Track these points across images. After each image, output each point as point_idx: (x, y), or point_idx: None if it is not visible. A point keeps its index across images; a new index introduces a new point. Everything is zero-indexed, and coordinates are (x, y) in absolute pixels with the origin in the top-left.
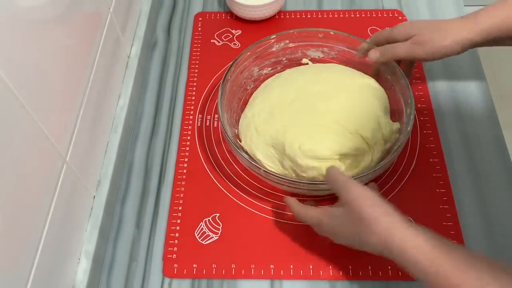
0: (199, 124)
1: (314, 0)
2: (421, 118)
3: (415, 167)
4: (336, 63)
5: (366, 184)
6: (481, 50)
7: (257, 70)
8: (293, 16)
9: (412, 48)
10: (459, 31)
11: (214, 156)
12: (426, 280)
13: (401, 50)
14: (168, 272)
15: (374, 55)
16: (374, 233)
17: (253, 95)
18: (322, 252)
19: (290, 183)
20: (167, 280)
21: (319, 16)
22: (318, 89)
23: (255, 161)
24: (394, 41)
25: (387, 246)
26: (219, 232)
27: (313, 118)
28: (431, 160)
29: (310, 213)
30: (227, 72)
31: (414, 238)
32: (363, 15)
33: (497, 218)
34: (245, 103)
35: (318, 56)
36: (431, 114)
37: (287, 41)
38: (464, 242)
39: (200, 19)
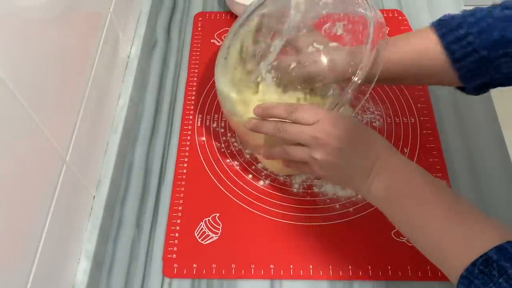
0: (199, 124)
1: None
2: (421, 118)
3: None
4: None
5: None
6: None
7: None
8: None
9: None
10: None
11: (214, 156)
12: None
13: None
14: (168, 272)
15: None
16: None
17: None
18: (322, 252)
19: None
20: (167, 280)
21: None
22: None
23: None
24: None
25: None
26: (219, 232)
27: None
28: (431, 160)
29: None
30: None
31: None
32: None
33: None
34: None
35: None
36: (431, 114)
37: None
38: None
39: (200, 19)
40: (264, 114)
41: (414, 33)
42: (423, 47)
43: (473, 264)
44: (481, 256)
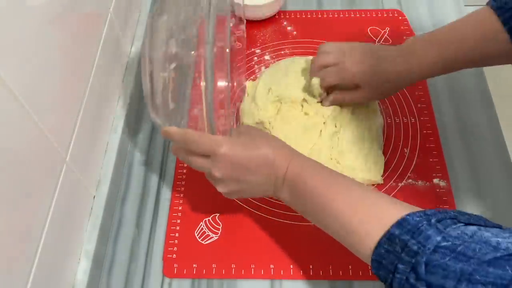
0: None
1: (314, 0)
2: (421, 118)
3: (415, 167)
4: None
5: None
6: None
7: None
8: (292, 16)
9: (358, 98)
10: (401, 81)
11: None
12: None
13: (349, 99)
14: (168, 272)
15: (326, 103)
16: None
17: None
18: (322, 252)
19: None
20: (167, 280)
21: (319, 16)
22: None
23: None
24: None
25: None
26: (219, 232)
27: None
28: (431, 160)
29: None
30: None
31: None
32: (363, 15)
33: (497, 218)
34: None
35: None
36: (431, 114)
37: None
38: None
39: None
40: (167, 138)
41: (470, 18)
42: (486, 34)
43: (379, 244)
44: (384, 235)
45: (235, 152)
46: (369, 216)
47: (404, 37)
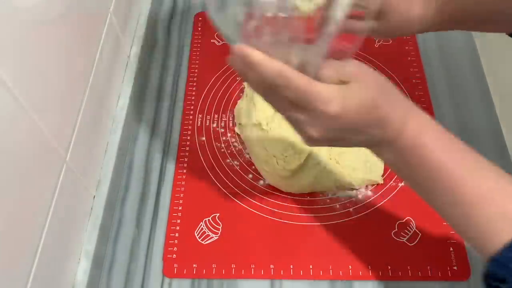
0: (199, 124)
1: None
2: None
3: None
4: None
5: None
6: (481, 50)
7: None
8: None
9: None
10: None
11: (214, 156)
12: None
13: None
14: (168, 272)
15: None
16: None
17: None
18: (322, 252)
19: None
20: (167, 280)
21: None
22: None
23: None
24: None
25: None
26: (219, 232)
27: None
28: None
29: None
30: None
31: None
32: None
33: None
34: None
35: None
36: (431, 113)
37: None
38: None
39: (200, 19)
40: (240, 62)
41: None
42: None
43: (509, 248)
44: None
45: (347, 115)
46: (501, 211)
47: (405, 37)
